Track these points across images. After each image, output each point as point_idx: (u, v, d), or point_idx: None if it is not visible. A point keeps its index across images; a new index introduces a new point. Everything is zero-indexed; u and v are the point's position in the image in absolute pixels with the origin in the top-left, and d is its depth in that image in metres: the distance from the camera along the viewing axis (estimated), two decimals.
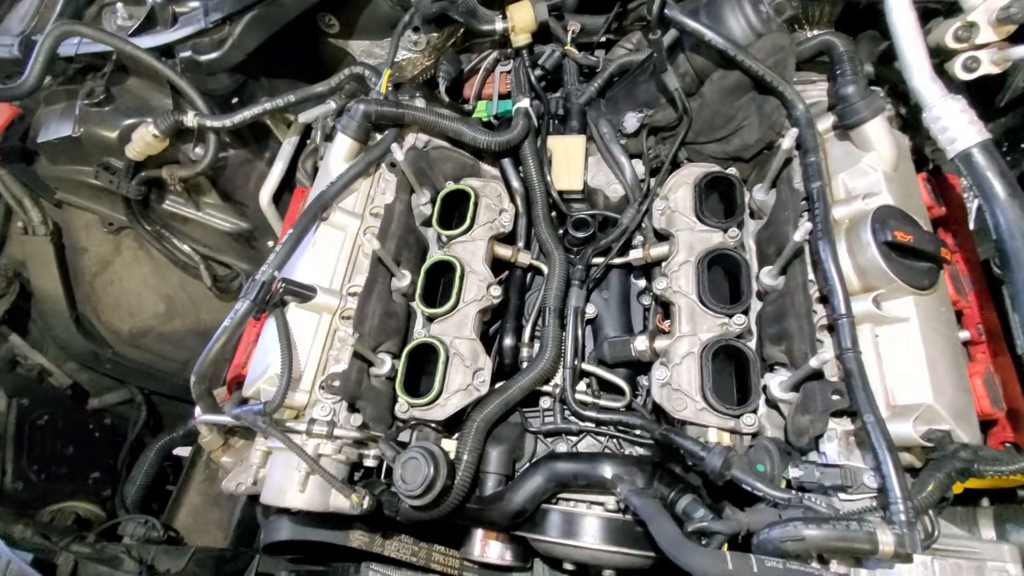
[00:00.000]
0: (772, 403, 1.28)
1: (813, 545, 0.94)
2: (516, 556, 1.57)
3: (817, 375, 1.15)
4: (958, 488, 1.17)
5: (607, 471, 1.29)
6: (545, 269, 1.61)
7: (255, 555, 1.77)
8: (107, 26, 1.90)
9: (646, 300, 1.69)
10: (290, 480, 1.34)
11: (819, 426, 1.10)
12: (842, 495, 1.05)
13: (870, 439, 0.99)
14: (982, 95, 1.55)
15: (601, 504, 1.38)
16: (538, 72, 1.86)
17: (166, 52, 1.84)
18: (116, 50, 1.84)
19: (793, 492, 1.06)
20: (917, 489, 0.96)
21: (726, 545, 1.07)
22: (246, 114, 1.81)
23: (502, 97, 1.93)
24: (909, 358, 1.10)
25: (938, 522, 1.00)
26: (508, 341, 1.60)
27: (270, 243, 1.45)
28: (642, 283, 1.71)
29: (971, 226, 1.52)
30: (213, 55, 1.76)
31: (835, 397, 1.10)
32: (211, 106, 1.89)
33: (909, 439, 1.03)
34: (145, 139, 1.85)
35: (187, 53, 1.78)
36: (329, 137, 1.90)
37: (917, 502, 0.94)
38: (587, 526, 1.35)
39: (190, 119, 1.84)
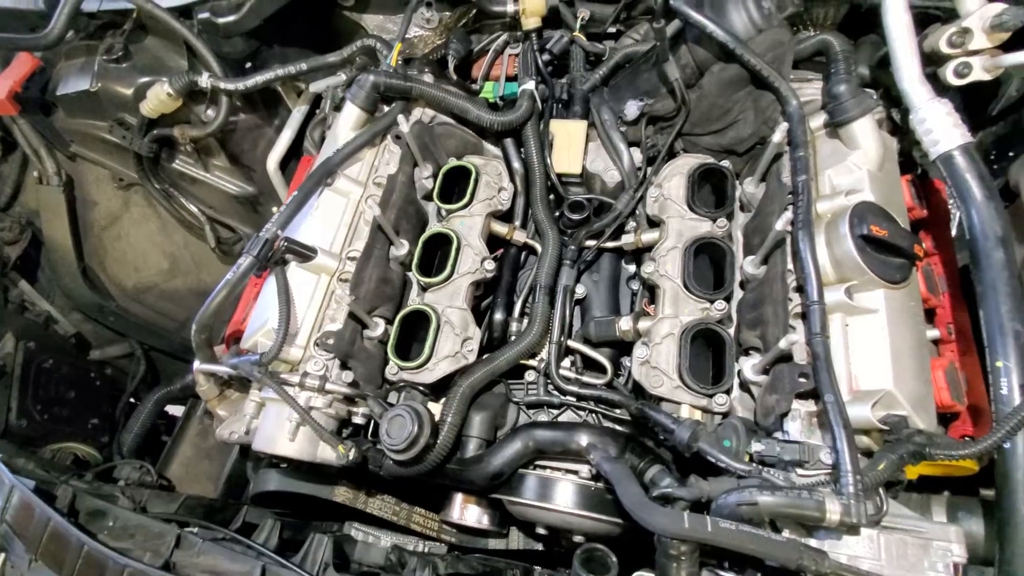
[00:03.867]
0: (745, 386, 1.34)
1: (765, 510, 1.00)
2: (493, 521, 1.64)
3: (787, 358, 1.21)
4: (912, 473, 1.24)
5: (583, 439, 1.35)
6: (539, 248, 1.67)
7: (244, 505, 1.84)
8: None
9: (635, 285, 1.75)
10: (281, 429, 1.40)
11: (784, 404, 1.15)
12: (800, 470, 1.10)
13: (828, 418, 1.05)
14: (977, 103, 1.59)
15: (576, 472, 1.44)
16: (545, 56, 1.90)
17: (185, 13, 1.89)
18: (137, 8, 1.89)
19: (754, 465, 1.12)
20: (869, 467, 1.02)
21: (688, 510, 1.13)
22: (258, 79, 1.86)
23: (509, 79, 1.97)
24: (874, 347, 1.16)
25: (887, 500, 1.06)
26: (499, 315, 1.66)
27: (274, 208, 1.50)
28: (632, 268, 1.76)
29: (953, 232, 1.56)
30: (230, 18, 1.81)
31: (802, 379, 1.15)
32: (225, 69, 1.93)
33: (867, 422, 1.09)
34: (159, 97, 1.90)
35: (205, 14, 1.83)
36: (338, 107, 1.95)
37: (867, 478, 1.00)
38: (561, 491, 1.41)
39: (204, 80, 1.89)
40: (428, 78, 1.80)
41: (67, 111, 2.15)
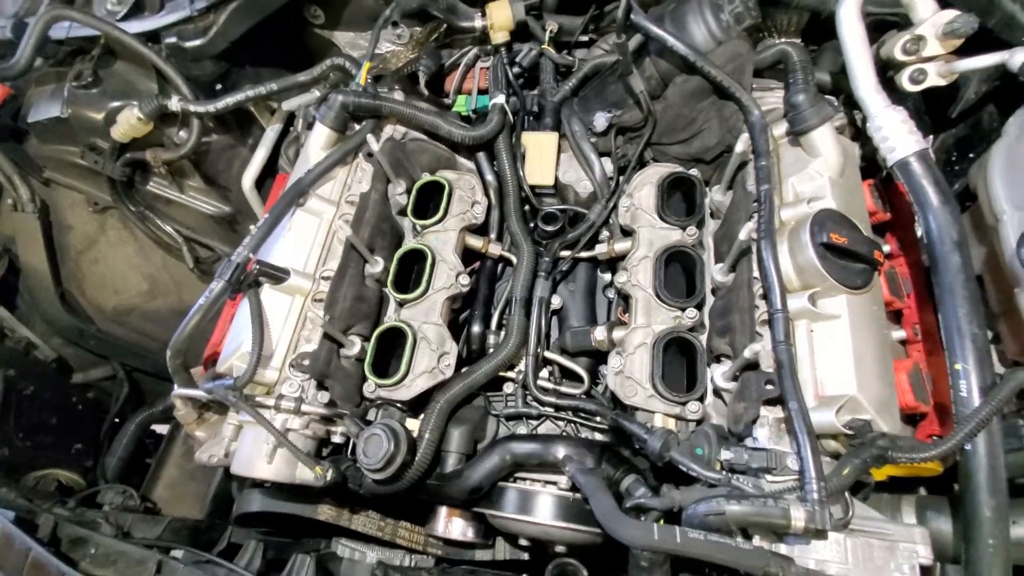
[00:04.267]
0: (718, 392, 1.36)
1: (733, 519, 1.02)
2: (478, 533, 1.65)
3: (754, 365, 1.22)
4: (880, 475, 1.26)
5: (559, 451, 1.36)
6: (515, 260, 1.68)
7: (229, 526, 1.84)
8: (97, 10, 1.94)
9: (611, 293, 1.76)
10: (258, 452, 1.40)
11: (752, 412, 1.17)
12: (768, 477, 1.12)
13: (793, 425, 1.07)
14: (937, 106, 1.62)
15: (555, 483, 1.45)
16: (516, 69, 1.91)
17: (152, 37, 1.88)
18: (104, 34, 1.89)
19: (724, 473, 1.14)
20: (834, 473, 1.04)
21: (661, 520, 1.15)
22: (229, 100, 1.86)
23: (481, 92, 1.98)
24: (838, 352, 1.18)
25: (853, 503, 1.08)
26: (476, 328, 1.67)
27: (252, 227, 1.50)
28: (608, 277, 1.78)
29: (919, 233, 1.59)
30: (198, 42, 1.81)
31: (768, 387, 1.17)
32: (195, 91, 1.93)
33: (832, 427, 1.11)
34: (130, 121, 1.90)
35: (172, 39, 1.83)
36: (311, 125, 1.95)
37: (831, 484, 1.02)
38: (540, 503, 1.42)
39: (174, 103, 1.89)
40: (398, 95, 1.81)
41: (39, 138, 2.15)
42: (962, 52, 1.38)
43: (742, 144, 1.37)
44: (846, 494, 1.08)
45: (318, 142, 1.68)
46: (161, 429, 2.47)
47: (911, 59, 1.37)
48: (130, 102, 1.94)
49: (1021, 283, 1.19)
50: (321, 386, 1.48)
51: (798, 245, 1.24)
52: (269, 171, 2.12)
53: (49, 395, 2.21)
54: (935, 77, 1.38)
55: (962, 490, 1.08)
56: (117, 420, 2.49)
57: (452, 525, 1.64)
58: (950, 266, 1.15)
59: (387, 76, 1.94)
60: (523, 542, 1.57)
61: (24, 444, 2.04)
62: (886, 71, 1.42)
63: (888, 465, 1.09)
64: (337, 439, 1.54)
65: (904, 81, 1.37)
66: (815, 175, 1.35)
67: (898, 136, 1.24)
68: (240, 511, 1.68)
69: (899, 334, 1.41)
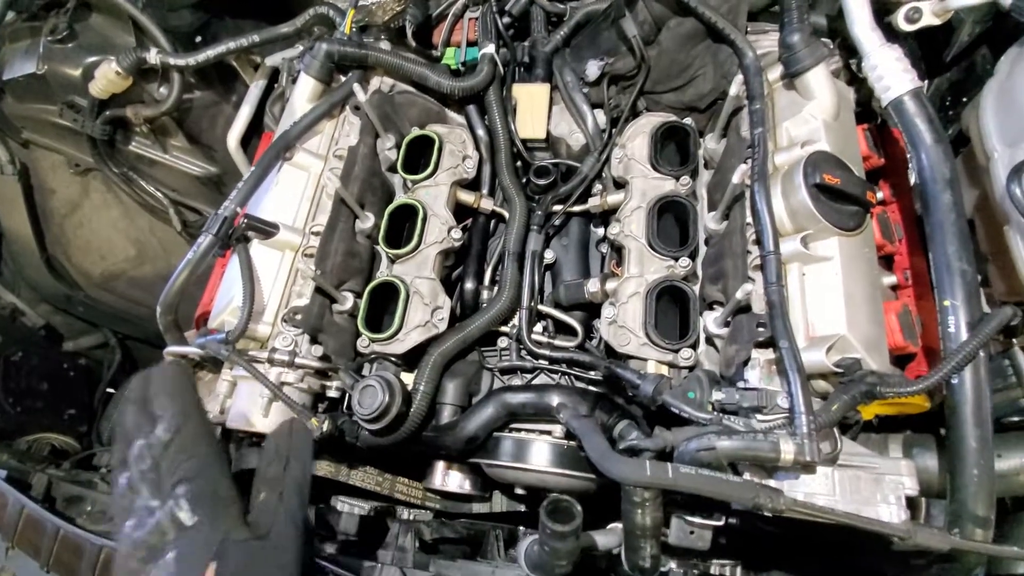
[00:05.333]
0: (710, 340, 1.37)
1: (724, 454, 1.03)
2: (475, 486, 1.67)
3: (746, 309, 1.23)
4: (868, 413, 1.29)
5: (553, 400, 1.37)
6: (507, 215, 1.66)
7: None
8: None
9: (604, 248, 1.75)
10: (254, 406, 1.40)
11: (743, 354, 1.18)
12: (759, 416, 1.13)
13: (784, 364, 1.08)
14: (932, 51, 1.60)
15: (549, 432, 1.47)
16: (506, 19, 1.86)
17: None
18: None
19: (715, 414, 1.15)
20: (823, 409, 1.06)
21: (654, 459, 1.16)
22: (209, 53, 1.80)
23: (471, 44, 1.92)
24: (829, 293, 1.18)
25: (842, 439, 1.10)
26: (469, 284, 1.66)
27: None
28: (601, 232, 1.77)
29: (912, 180, 1.59)
30: None
31: (760, 328, 1.18)
32: (175, 44, 1.87)
33: (822, 366, 1.12)
34: (108, 76, 1.84)
35: None
36: (295, 80, 1.90)
37: (820, 419, 1.03)
38: (535, 451, 1.44)
39: (153, 56, 1.82)
40: (385, 45, 1.76)
41: (15, 96, 2.07)
42: None
43: (736, 87, 1.35)
44: (835, 430, 1.09)
45: (303, 94, 1.63)
46: None
47: None
48: (107, 56, 1.87)
49: (1011, 220, 1.20)
50: (314, 341, 1.48)
51: (791, 187, 1.23)
52: (254, 130, 2.07)
53: (38, 362, 2.20)
54: (930, 15, 1.36)
55: (948, 422, 1.10)
56: (111, 389, 2.48)
57: (449, 478, 1.67)
58: (941, 204, 1.15)
59: (373, 28, 1.88)
60: (519, 491, 1.59)
61: (14, 410, 2.03)
62: (882, 14, 1.40)
63: (876, 402, 1.11)
64: (332, 394, 1.54)
65: (900, 20, 1.35)
66: (809, 118, 1.33)
67: (893, 74, 1.22)
68: (238, 468, 1.69)
69: (889, 279, 1.42)
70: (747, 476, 1.10)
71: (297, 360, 1.41)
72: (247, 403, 1.42)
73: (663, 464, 1.02)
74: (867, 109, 1.53)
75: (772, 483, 1.10)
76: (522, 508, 1.80)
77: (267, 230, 1.46)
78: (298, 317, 1.44)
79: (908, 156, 1.57)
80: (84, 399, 2.30)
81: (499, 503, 1.84)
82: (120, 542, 0.77)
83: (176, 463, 0.79)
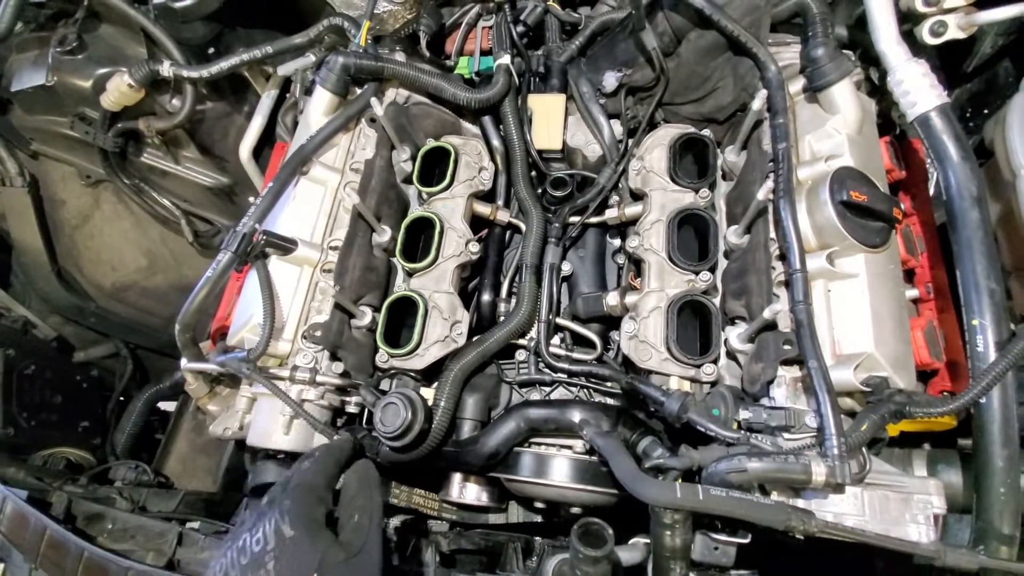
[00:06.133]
0: (731, 354, 1.36)
1: (754, 476, 1.03)
2: (492, 497, 1.67)
3: (771, 326, 1.23)
4: (894, 430, 1.28)
5: (575, 416, 1.37)
6: (523, 227, 1.66)
7: (243, 498, 1.85)
8: None
9: (621, 259, 1.75)
10: (275, 423, 1.40)
11: (770, 372, 1.18)
12: (786, 435, 1.13)
13: (812, 383, 1.07)
14: (952, 61, 1.59)
15: (570, 447, 1.47)
16: (520, 28, 1.85)
17: None
18: None
19: (742, 432, 1.15)
20: (852, 429, 1.05)
21: (680, 479, 1.16)
22: (223, 65, 1.79)
23: (484, 53, 1.92)
24: (856, 311, 1.18)
25: (870, 458, 1.10)
26: (486, 297, 1.65)
27: (251, 198, 1.46)
28: (617, 242, 1.76)
29: (931, 191, 1.58)
30: (187, 2, 1.72)
31: (786, 347, 1.17)
32: (187, 56, 1.85)
33: (850, 384, 1.12)
34: (120, 89, 1.82)
35: None
36: (308, 91, 1.88)
37: (850, 439, 1.03)
38: (556, 466, 1.44)
39: (166, 69, 1.81)
40: (400, 56, 1.74)
41: (24, 107, 2.06)
42: (981, 4, 1.35)
43: (759, 101, 1.34)
44: (863, 449, 1.09)
45: (319, 107, 1.62)
46: (165, 406, 2.47)
47: (932, 10, 1.33)
48: (119, 68, 1.85)
49: None
50: (334, 357, 1.47)
51: (816, 204, 1.22)
52: (266, 140, 2.06)
53: (51, 374, 2.19)
54: (955, 29, 1.35)
55: (975, 441, 1.10)
56: (123, 398, 2.48)
57: (466, 490, 1.66)
58: (969, 221, 1.14)
59: (386, 37, 1.86)
60: (538, 505, 1.59)
61: (29, 424, 2.03)
62: (905, 24, 1.39)
63: (903, 420, 1.11)
64: (351, 409, 1.53)
65: (924, 34, 1.34)
66: (833, 132, 1.33)
67: (919, 90, 1.21)
68: (255, 482, 1.69)
69: (912, 293, 1.41)
70: (775, 496, 1.10)
71: (318, 377, 1.41)
72: (268, 420, 1.42)
73: (693, 486, 1.01)
74: (887, 120, 1.52)
75: (800, 502, 1.10)
76: (538, 519, 1.80)
77: (286, 246, 1.46)
78: (318, 334, 1.44)
79: (929, 168, 1.57)
80: (97, 411, 2.29)
81: (515, 513, 1.84)
82: (222, 549, 0.94)
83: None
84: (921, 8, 1.33)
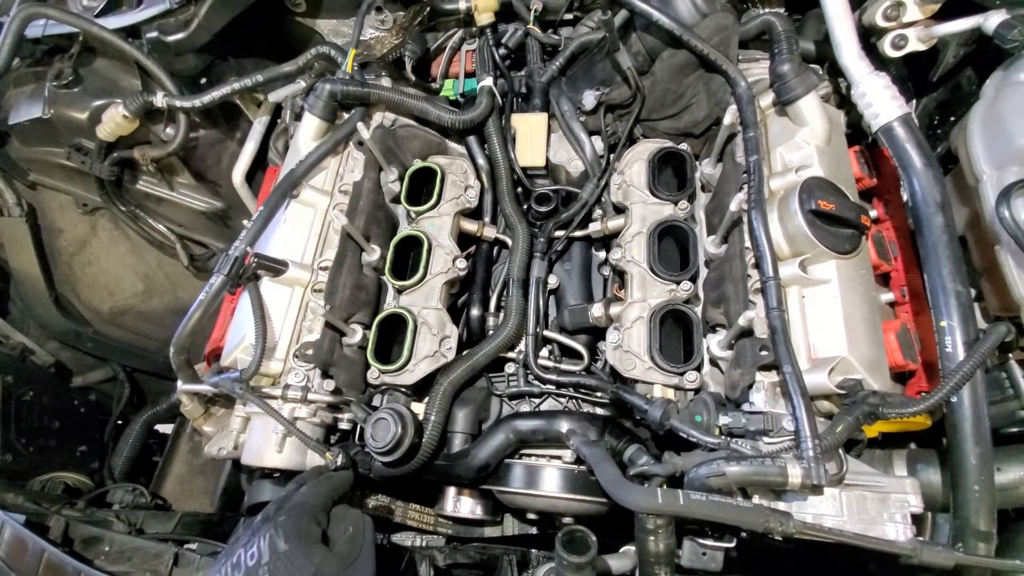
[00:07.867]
0: (713, 361, 1.40)
1: (733, 479, 1.06)
2: (486, 510, 1.69)
3: (748, 333, 1.26)
4: (871, 432, 1.31)
5: (563, 426, 1.40)
6: (510, 242, 1.70)
7: (240, 518, 1.86)
8: (72, 7, 1.91)
9: (606, 271, 1.79)
10: (268, 442, 1.43)
11: (748, 378, 1.21)
12: (765, 439, 1.16)
13: (788, 387, 1.11)
14: (920, 71, 1.65)
15: (559, 457, 1.49)
16: (502, 51, 1.91)
17: (132, 33, 1.86)
18: (82, 31, 1.86)
19: (723, 438, 1.18)
20: (828, 431, 1.08)
21: (664, 486, 1.19)
22: (215, 94, 1.84)
23: (468, 75, 1.98)
24: (829, 316, 1.21)
25: (847, 459, 1.13)
26: (475, 311, 1.69)
27: (245, 222, 1.51)
28: (602, 255, 1.80)
29: (905, 197, 1.62)
30: (179, 36, 1.78)
31: (763, 352, 1.20)
32: (180, 86, 1.91)
33: (825, 388, 1.15)
34: (115, 120, 1.88)
35: (153, 34, 1.80)
36: (298, 116, 1.95)
37: (826, 441, 1.06)
38: (546, 477, 1.46)
39: (159, 100, 1.87)
40: (386, 82, 1.80)
41: (21, 140, 2.11)
42: (940, 17, 1.40)
43: (730, 116, 1.39)
44: (840, 451, 1.12)
45: (308, 132, 1.67)
46: (163, 428, 2.49)
47: (892, 25, 1.39)
48: (114, 100, 1.91)
49: (1001, 240, 1.23)
50: (326, 375, 1.50)
51: (787, 213, 1.27)
52: (259, 164, 2.11)
53: (49, 399, 2.21)
54: (915, 42, 1.40)
55: (948, 440, 1.13)
56: (120, 422, 2.50)
57: (461, 504, 1.68)
58: (934, 227, 1.19)
59: (373, 63, 1.93)
60: (531, 516, 1.61)
61: (28, 450, 2.04)
62: (868, 38, 1.45)
63: (879, 421, 1.14)
64: (344, 425, 1.56)
65: (886, 47, 1.40)
66: (802, 144, 1.37)
67: (881, 101, 1.26)
68: (252, 501, 1.71)
69: (887, 296, 1.45)
70: (756, 499, 1.12)
71: (310, 395, 1.43)
72: (261, 439, 1.45)
73: (674, 491, 1.04)
74: (857, 130, 1.57)
75: (781, 505, 1.12)
76: (533, 531, 1.81)
77: (277, 268, 1.49)
78: (309, 352, 1.47)
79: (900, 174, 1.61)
80: (95, 435, 2.31)
81: (511, 526, 1.85)
82: (216, 564, 0.96)
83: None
84: (882, 23, 1.39)
